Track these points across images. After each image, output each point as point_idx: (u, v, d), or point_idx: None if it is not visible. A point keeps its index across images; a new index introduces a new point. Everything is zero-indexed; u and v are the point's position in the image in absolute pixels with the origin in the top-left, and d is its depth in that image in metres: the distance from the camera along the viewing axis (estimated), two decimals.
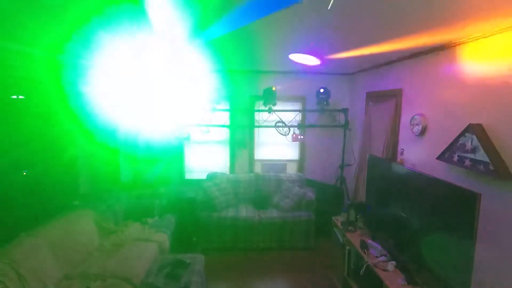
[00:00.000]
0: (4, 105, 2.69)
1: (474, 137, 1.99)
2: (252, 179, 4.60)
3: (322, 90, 4.40)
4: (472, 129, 2.03)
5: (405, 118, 3.08)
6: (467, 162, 2.05)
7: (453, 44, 2.32)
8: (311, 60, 3.26)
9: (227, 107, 4.82)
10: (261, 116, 4.81)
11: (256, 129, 4.93)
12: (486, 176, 1.93)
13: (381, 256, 2.55)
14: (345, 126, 4.62)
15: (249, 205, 4.36)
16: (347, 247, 3.05)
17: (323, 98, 4.41)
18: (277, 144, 4.98)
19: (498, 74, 1.94)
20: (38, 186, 2.97)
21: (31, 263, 2.22)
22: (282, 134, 4.72)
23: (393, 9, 1.67)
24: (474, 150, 2.00)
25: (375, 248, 2.65)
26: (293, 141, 4.71)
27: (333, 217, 3.48)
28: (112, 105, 3.82)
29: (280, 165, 4.99)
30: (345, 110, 4.60)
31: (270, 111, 4.43)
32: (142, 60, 3.15)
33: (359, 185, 4.18)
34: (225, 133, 4.95)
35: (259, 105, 4.74)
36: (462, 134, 2.11)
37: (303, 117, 4.91)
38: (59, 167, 3.26)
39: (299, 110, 4.88)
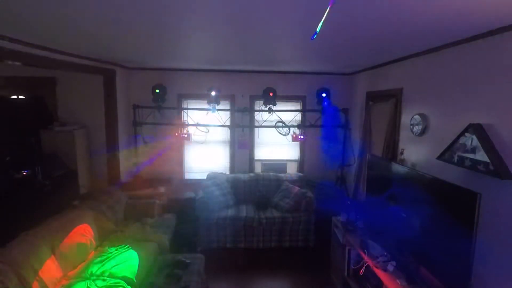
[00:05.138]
0: None
1: (474, 137, 1.99)
2: (252, 179, 4.60)
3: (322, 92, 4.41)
4: (472, 129, 2.02)
5: (405, 118, 3.08)
6: (467, 162, 2.05)
7: (454, 43, 2.32)
8: None
9: (227, 107, 4.82)
10: (261, 116, 4.81)
11: (256, 129, 4.93)
12: (486, 176, 1.93)
13: (381, 256, 2.56)
14: (345, 126, 4.62)
15: (249, 205, 4.35)
16: (347, 247, 3.05)
17: (323, 98, 4.41)
18: (277, 144, 4.97)
19: (499, 74, 1.94)
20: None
21: (31, 263, 2.22)
22: (282, 134, 4.72)
23: None
24: (474, 150, 2.00)
25: (375, 248, 2.65)
26: (293, 141, 4.72)
27: (333, 217, 3.48)
28: None
29: (280, 165, 4.99)
30: (345, 110, 4.60)
31: (270, 111, 4.44)
32: None
33: (359, 185, 4.18)
34: (225, 133, 4.95)
35: (259, 105, 4.74)
36: (462, 134, 2.11)
37: (303, 117, 4.91)
38: None
39: (299, 110, 4.88)
